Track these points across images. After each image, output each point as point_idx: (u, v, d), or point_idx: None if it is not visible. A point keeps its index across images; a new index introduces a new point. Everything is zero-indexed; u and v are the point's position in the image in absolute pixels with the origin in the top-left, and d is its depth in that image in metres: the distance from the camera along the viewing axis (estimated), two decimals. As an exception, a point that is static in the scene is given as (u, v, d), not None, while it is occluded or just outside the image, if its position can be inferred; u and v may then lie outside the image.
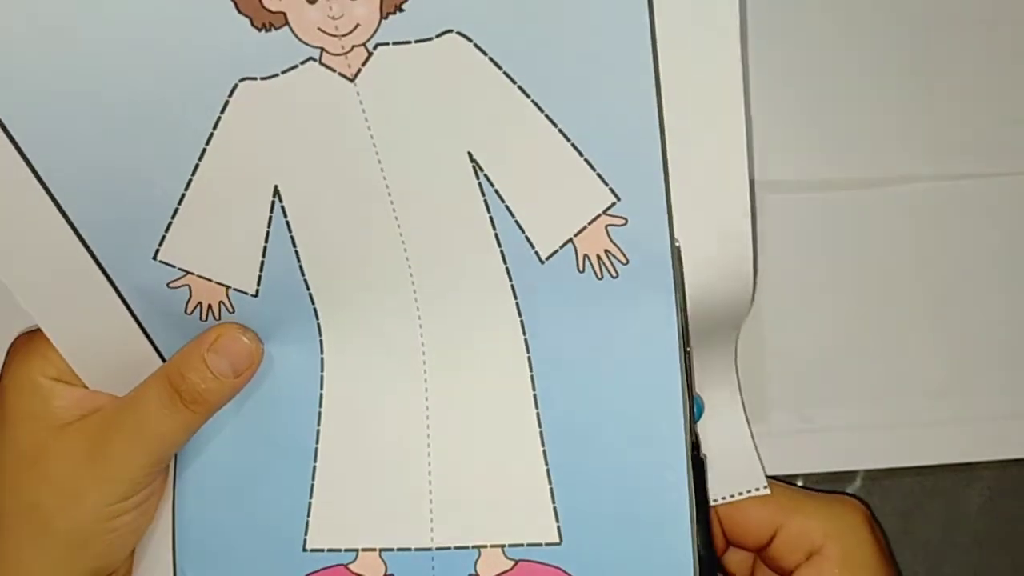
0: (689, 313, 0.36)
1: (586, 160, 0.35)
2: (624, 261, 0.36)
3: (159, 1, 0.30)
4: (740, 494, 0.39)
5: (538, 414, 0.37)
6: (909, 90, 0.43)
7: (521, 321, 0.37)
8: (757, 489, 0.39)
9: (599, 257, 0.36)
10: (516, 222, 0.36)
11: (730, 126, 0.34)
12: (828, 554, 0.37)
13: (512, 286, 0.37)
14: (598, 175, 0.35)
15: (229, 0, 0.30)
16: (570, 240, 0.36)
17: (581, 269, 0.36)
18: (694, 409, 0.37)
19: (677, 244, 0.35)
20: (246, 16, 0.31)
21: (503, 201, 0.36)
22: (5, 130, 0.31)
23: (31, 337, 0.37)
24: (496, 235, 0.36)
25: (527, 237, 0.36)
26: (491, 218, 0.36)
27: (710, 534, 0.38)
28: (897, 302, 0.43)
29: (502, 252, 0.36)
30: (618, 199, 0.35)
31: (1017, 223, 0.43)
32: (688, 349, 0.36)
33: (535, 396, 0.37)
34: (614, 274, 0.36)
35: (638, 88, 0.34)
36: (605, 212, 0.36)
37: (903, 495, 0.44)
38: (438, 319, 0.37)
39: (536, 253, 0.36)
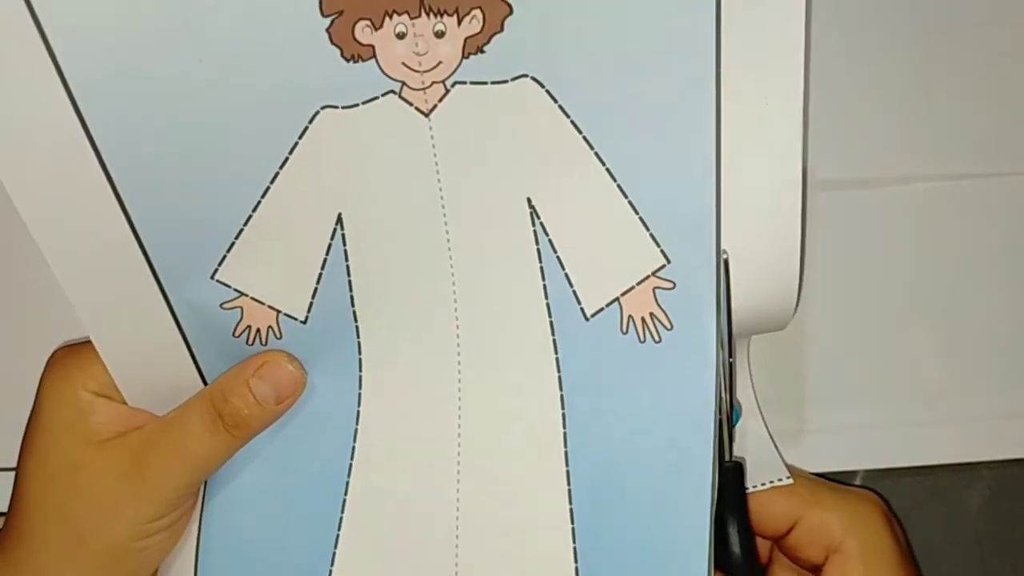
0: (733, 322, 0.36)
1: (641, 219, 0.35)
2: (668, 326, 0.36)
3: (254, 26, 0.31)
4: (764, 484, 0.39)
5: (568, 472, 0.37)
6: (909, 90, 0.43)
7: (559, 377, 0.37)
8: (780, 479, 0.39)
9: (644, 320, 0.36)
10: (566, 275, 0.36)
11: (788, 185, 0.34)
12: (848, 551, 0.38)
13: (554, 340, 0.37)
14: (651, 235, 0.35)
15: (323, 31, 0.31)
16: (617, 299, 0.36)
17: (624, 330, 0.36)
18: (732, 415, 0.37)
19: (725, 256, 0.35)
20: (337, 47, 0.32)
21: (555, 251, 0.36)
22: (90, 139, 0.31)
23: (73, 350, 0.37)
24: (545, 286, 0.36)
25: (575, 292, 0.36)
26: (542, 268, 0.36)
27: (752, 539, 0.38)
28: (897, 302, 0.43)
29: (548, 304, 0.36)
30: (668, 262, 0.35)
31: (1017, 223, 0.43)
32: (731, 360, 0.36)
33: (566, 453, 0.37)
34: (657, 339, 0.36)
35: (700, 155, 0.34)
36: (654, 274, 0.36)
37: (903, 495, 0.44)
38: (478, 364, 0.37)
39: (582, 309, 0.36)
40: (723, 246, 0.35)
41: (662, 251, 0.35)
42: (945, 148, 0.43)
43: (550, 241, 0.36)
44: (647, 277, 0.36)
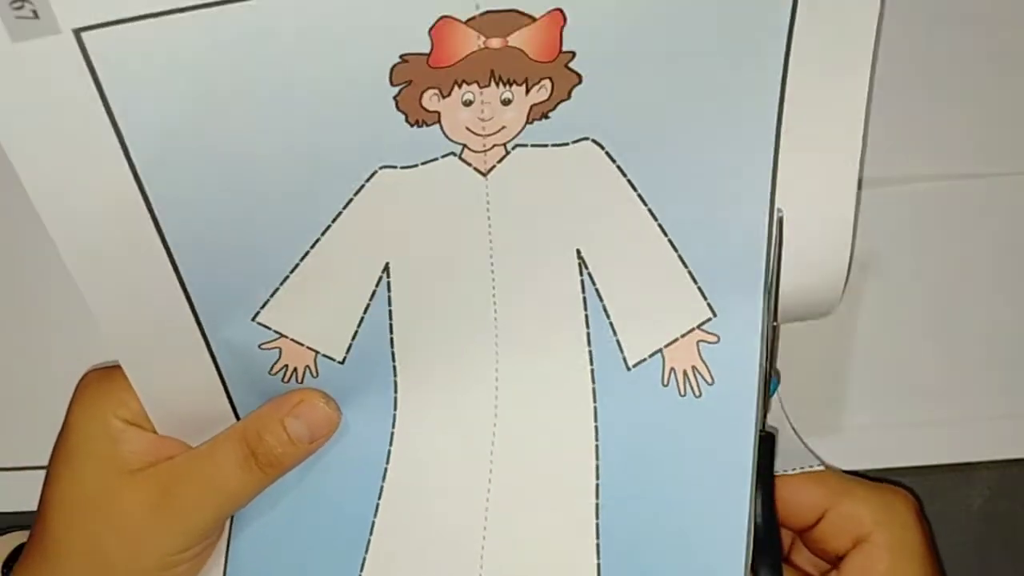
0: (780, 296, 0.36)
1: (689, 272, 0.35)
2: (710, 381, 0.36)
3: (321, 94, 0.30)
4: (795, 469, 0.38)
5: (597, 525, 0.37)
6: (909, 90, 0.43)
7: (596, 427, 0.37)
8: (811, 465, 0.38)
9: (685, 373, 0.36)
10: (610, 324, 0.36)
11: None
12: (877, 541, 0.37)
13: (594, 389, 0.37)
14: (698, 288, 0.35)
15: (391, 98, 0.31)
16: (660, 351, 0.36)
17: (665, 383, 0.36)
18: (770, 385, 0.37)
19: (780, 214, 0.34)
20: (402, 112, 0.32)
21: (601, 300, 0.36)
22: (142, 190, 0.30)
23: (106, 376, 0.37)
24: (588, 334, 0.36)
25: (618, 341, 0.36)
26: (587, 316, 0.36)
27: (775, 513, 0.37)
28: (896, 302, 0.43)
29: (591, 352, 0.36)
30: (714, 315, 0.36)
31: (1017, 223, 0.43)
32: (775, 323, 0.36)
33: (597, 506, 0.37)
34: (697, 393, 0.36)
35: (754, 215, 0.34)
36: (699, 327, 0.36)
37: (903, 495, 0.44)
38: (514, 411, 0.37)
39: (624, 359, 0.36)
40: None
41: (708, 304, 0.36)
42: (945, 148, 0.43)
43: (597, 290, 0.36)
44: (692, 330, 0.36)
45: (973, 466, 0.43)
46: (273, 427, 0.36)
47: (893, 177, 0.43)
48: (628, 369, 0.36)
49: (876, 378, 0.43)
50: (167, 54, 0.28)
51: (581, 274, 0.36)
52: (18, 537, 0.42)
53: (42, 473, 0.44)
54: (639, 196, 0.35)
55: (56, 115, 0.28)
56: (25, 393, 0.45)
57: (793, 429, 0.40)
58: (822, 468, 0.39)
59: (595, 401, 0.37)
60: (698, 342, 0.36)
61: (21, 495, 0.44)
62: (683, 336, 0.36)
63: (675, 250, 0.35)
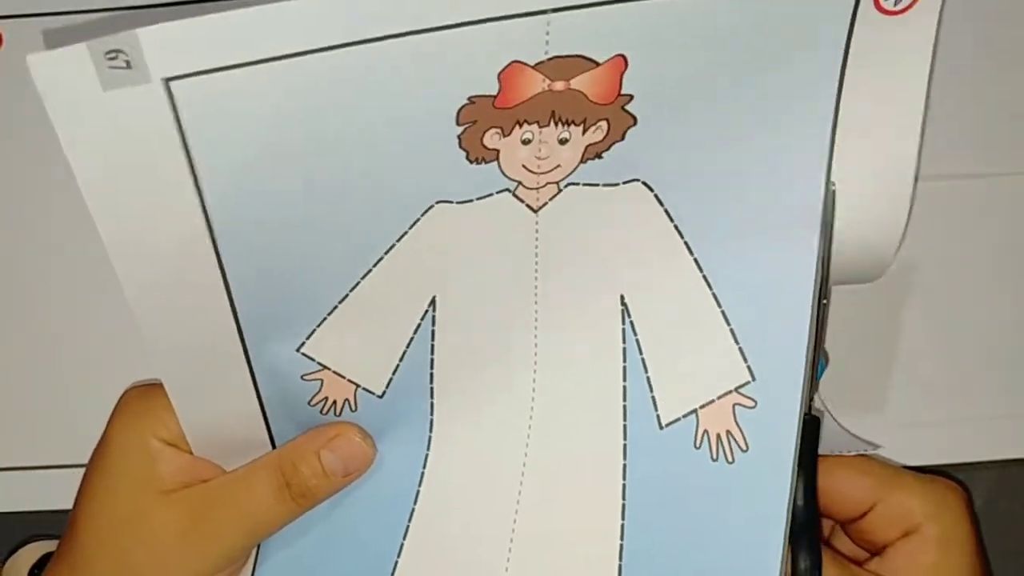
0: (832, 261, 0.35)
1: (732, 331, 0.35)
2: (744, 448, 0.35)
3: (388, 131, 0.31)
4: (849, 451, 0.38)
5: None
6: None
7: (624, 485, 0.36)
8: (867, 449, 0.38)
9: (719, 437, 0.35)
10: (647, 378, 0.36)
11: None
12: (926, 533, 0.37)
13: (625, 445, 0.36)
14: (739, 349, 0.35)
15: (455, 136, 0.32)
16: (695, 411, 0.36)
17: (698, 445, 0.36)
18: (817, 366, 0.36)
19: (833, 187, 0.34)
20: (464, 150, 0.32)
21: (640, 353, 0.36)
22: (205, 215, 0.31)
23: (146, 394, 0.37)
24: (625, 387, 0.36)
25: (653, 397, 0.36)
26: (625, 368, 0.36)
27: (815, 497, 0.37)
28: (897, 302, 0.43)
29: (625, 407, 0.36)
30: (753, 379, 0.35)
31: (1017, 223, 0.43)
32: (825, 302, 0.35)
33: (620, 567, 0.36)
34: (730, 459, 0.35)
35: (801, 279, 0.34)
36: (737, 390, 0.35)
37: (903, 495, 0.44)
38: (544, 460, 0.37)
39: (658, 416, 0.36)
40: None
41: (748, 367, 0.35)
42: (945, 148, 0.43)
43: (637, 341, 0.36)
44: (729, 392, 0.35)
45: (973, 466, 0.43)
46: (309, 458, 0.36)
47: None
48: (661, 428, 0.36)
49: (874, 378, 0.43)
50: (247, 101, 0.29)
51: (623, 322, 0.36)
52: (44, 546, 0.42)
53: (41, 473, 0.44)
54: (686, 244, 0.35)
55: (135, 156, 0.28)
56: (25, 393, 0.45)
57: (833, 419, 0.40)
58: (876, 450, 0.38)
59: (625, 458, 0.36)
60: (734, 405, 0.35)
61: (21, 495, 0.45)
62: (719, 398, 0.35)
63: (719, 305, 0.35)
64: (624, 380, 0.36)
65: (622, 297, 0.36)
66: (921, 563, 0.36)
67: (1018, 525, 0.44)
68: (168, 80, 0.27)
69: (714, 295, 0.35)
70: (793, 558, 0.36)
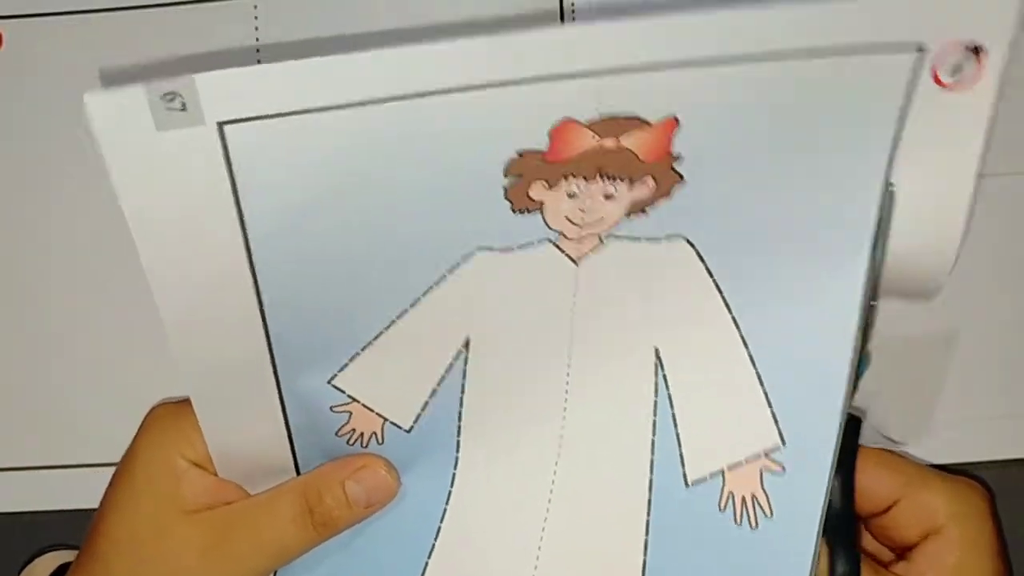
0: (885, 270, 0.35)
1: (765, 393, 0.35)
2: (768, 513, 0.35)
3: (436, 181, 0.31)
4: (876, 444, 0.38)
5: None
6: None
7: (646, 540, 0.36)
8: (891, 445, 0.38)
9: (744, 500, 0.35)
10: (677, 434, 0.36)
11: None
12: (949, 535, 0.36)
13: (649, 500, 0.36)
14: (772, 413, 0.35)
15: (501, 187, 0.32)
16: (721, 471, 0.35)
17: (722, 507, 0.35)
18: (861, 365, 0.36)
19: (892, 188, 0.33)
20: (509, 201, 0.33)
21: (672, 407, 0.36)
22: (248, 252, 0.31)
23: (175, 412, 0.37)
24: (653, 441, 0.36)
25: (681, 454, 0.36)
26: (655, 422, 0.36)
27: (852, 497, 0.37)
28: (896, 301, 0.43)
29: (652, 460, 0.36)
30: (783, 443, 0.35)
31: (1017, 223, 0.43)
32: (873, 304, 0.35)
33: None
34: (753, 524, 0.35)
35: (840, 350, 0.34)
36: (765, 454, 0.35)
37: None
38: (567, 507, 0.37)
39: (684, 474, 0.36)
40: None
41: (779, 431, 0.35)
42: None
43: (669, 396, 0.36)
44: (758, 455, 0.35)
45: (973, 466, 0.43)
46: (333, 487, 0.36)
47: (893, 177, 0.43)
48: (687, 485, 0.36)
49: (874, 378, 0.43)
50: (298, 146, 0.29)
51: (656, 375, 0.36)
52: (62, 556, 0.42)
53: (41, 473, 0.44)
54: (725, 303, 0.35)
55: (183, 193, 0.29)
56: (25, 393, 0.45)
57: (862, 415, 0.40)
58: (904, 445, 0.38)
59: (648, 514, 0.36)
60: (762, 469, 0.35)
61: (21, 495, 0.45)
62: (747, 461, 0.35)
63: (754, 366, 0.35)
64: (653, 434, 0.36)
65: (657, 350, 0.36)
66: (944, 564, 0.36)
67: (1018, 525, 0.44)
68: (222, 124, 0.28)
69: (750, 356, 0.35)
70: (831, 559, 0.36)
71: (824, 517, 0.34)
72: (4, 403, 0.45)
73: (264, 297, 0.32)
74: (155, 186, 0.28)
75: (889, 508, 0.37)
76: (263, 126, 0.28)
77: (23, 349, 0.45)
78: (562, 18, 0.43)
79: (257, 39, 0.45)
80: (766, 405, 0.35)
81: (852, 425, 0.36)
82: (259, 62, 0.44)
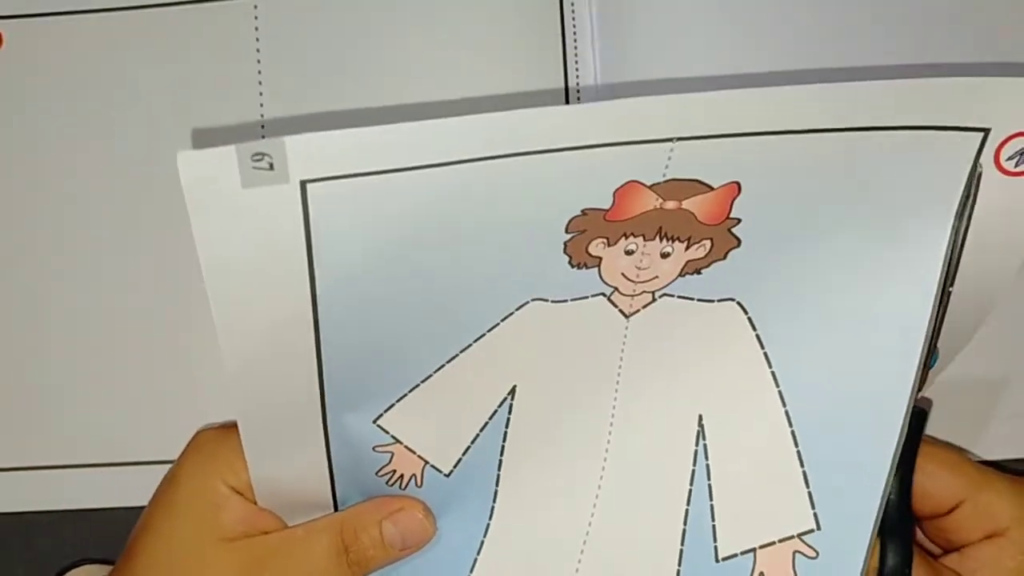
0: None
1: (804, 473, 0.34)
2: None
3: (505, 234, 0.32)
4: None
5: None
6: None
7: None
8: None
9: None
10: (712, 506, 0.35)
11: None
12: (1013, 537, 0.36)
13: (678, 571, 0.36)
14: (809, 494, 0.34)
15: (561, 242, 0.32)
16: (753, 550, 0.35)
17: None
18: (931, 356, 0.35)
19: (980, 170, 0.32)
20: (568, 255, 0.33)
21: (709, 479, 0.35)
22: (314, 302, 0.31)
23: (220, 437, 0.37)
24: (687, 511, 0.36)
25: (714, 527, 0.35)
26: (691, 491, 0.35)
27: (910, 491, 0.36)
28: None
29: (684, 531, 0.36)
30: (818, 527, 0.34)
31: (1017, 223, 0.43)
32: (951, 289, 0.34)
33: None
34: None
35: (886, 430, 0.33)
36: (800, 536, 0.34)
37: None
38: (598, 563, 0.36)
39: (715, 548, 0.35)
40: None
41: (815, 515, 0.34)
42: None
43: (707, 466, 0.35)
44: (791, 537, 0.34)
45: None
46: (370, 527, 0.36)
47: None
48: (717, 561, 0.35)
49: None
50: (374, 203, 0.30)
51: (697, 443, 0.35)
52: (93, 572, 0.42)
53: (41, 473, 0.44)
54: (772, 374, 0.34)
55: (260, 246, 0.30)
56: (25, 393, 0.45)
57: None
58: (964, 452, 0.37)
59: None
60: (795, 552, 0.34)
61: (21, 495, 0.45)
62: (781, 542, 0.35)
63: (795, 444, 0.34)
64: (688, 503, 0.36)
65: (700, 417, 0.36)
66: (1003, 567, 0.36)
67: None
68: (305, 182, 0.29)
69: (792, 432, 0.35)
70: (882, 552, 0.36)
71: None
72: (4, 403, 0.45)
73: (322, 338, 0.32)
74: (233, 237, 0.29)
75: (951, 510, 0.37)
76: (343, 184, 0.29)
77: (23, 349, 0.45)
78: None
79: (257, 39, 0.45)
80: (804, 486, 0.34)
81: (917, 417, 0.35)
82: (259, 72, 0.44)
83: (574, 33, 0.44)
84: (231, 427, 0.35)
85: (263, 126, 0.44)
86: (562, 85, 0.44)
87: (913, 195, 0.32)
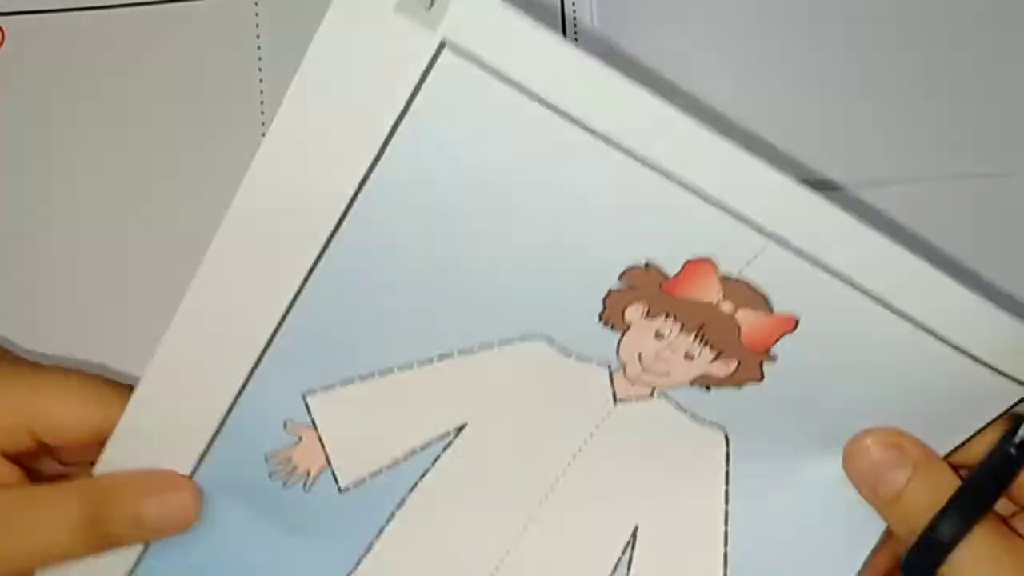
0: None
1: None
2: None
3: (566, 262, 0.30)
4: None
5: None
6: (909, 90, 0.43)
7: None
8: None
9: None
10: None
11: None
12: None
13: None
14: None
15: (606, 287, 0.30)
16: None
17: None
18: None
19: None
20: (603, 305, 0.31)
21: None
22: (373, 163, 0.29)
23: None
24: None
25: None
26: None
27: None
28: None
29: None
30: None
31: (1017, 223, 0.43)
32: None
33: None
34: None
35: None
36: None
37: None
38: None
39: None
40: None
41: None
42: (945, 148, 0.43)
43: None
44: None
45: (973, 466, 0.43)
46: (128, 502, 0.32)
47: (893, 177, 0.43)
48: None
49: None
50: (489, 124, 0.27)
51: (624, 553, 0.34)
52: None
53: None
54: (726, 512, 0.34)
55: (359, 85, 0.27)
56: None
57: None
58: None
59: None
60: None
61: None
62: None
63: None
64: None
65: (636, 528, 0.34)
66: None
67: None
68: (443, 43, 0.26)
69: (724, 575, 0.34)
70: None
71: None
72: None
73: (329, 252, 0.30)
74: (343, 58, 0.27)
75: None
76: (475, 72, 0.26)
77: (23, 348, 0.45)
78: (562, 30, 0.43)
79: (258, 36, 0.45)
80: None
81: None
82: (259, 71, 0.44)
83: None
84: (17, 361, 0.32)
85: (263, 124, 0.45)
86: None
87: (941, 408, 0.31)
